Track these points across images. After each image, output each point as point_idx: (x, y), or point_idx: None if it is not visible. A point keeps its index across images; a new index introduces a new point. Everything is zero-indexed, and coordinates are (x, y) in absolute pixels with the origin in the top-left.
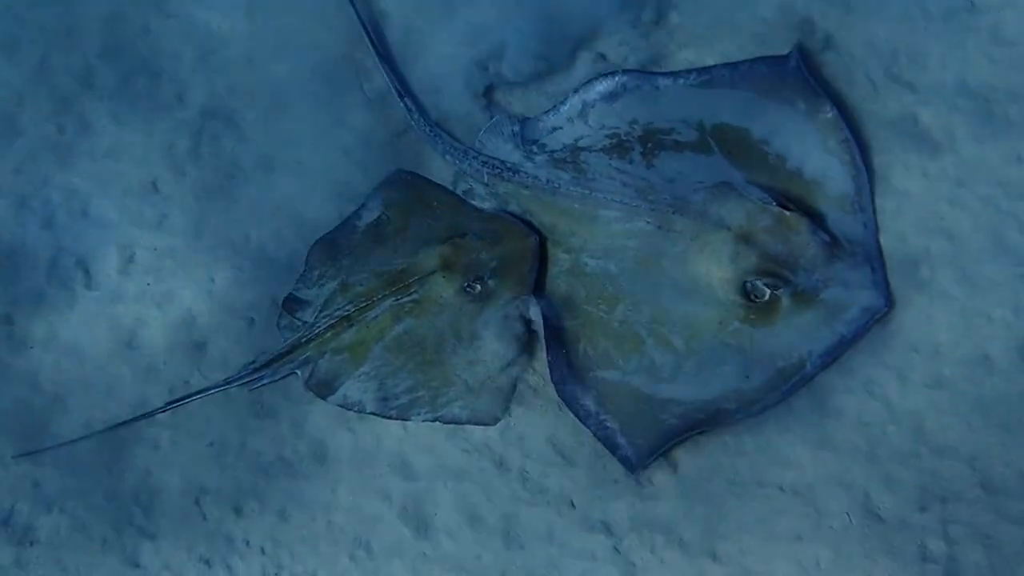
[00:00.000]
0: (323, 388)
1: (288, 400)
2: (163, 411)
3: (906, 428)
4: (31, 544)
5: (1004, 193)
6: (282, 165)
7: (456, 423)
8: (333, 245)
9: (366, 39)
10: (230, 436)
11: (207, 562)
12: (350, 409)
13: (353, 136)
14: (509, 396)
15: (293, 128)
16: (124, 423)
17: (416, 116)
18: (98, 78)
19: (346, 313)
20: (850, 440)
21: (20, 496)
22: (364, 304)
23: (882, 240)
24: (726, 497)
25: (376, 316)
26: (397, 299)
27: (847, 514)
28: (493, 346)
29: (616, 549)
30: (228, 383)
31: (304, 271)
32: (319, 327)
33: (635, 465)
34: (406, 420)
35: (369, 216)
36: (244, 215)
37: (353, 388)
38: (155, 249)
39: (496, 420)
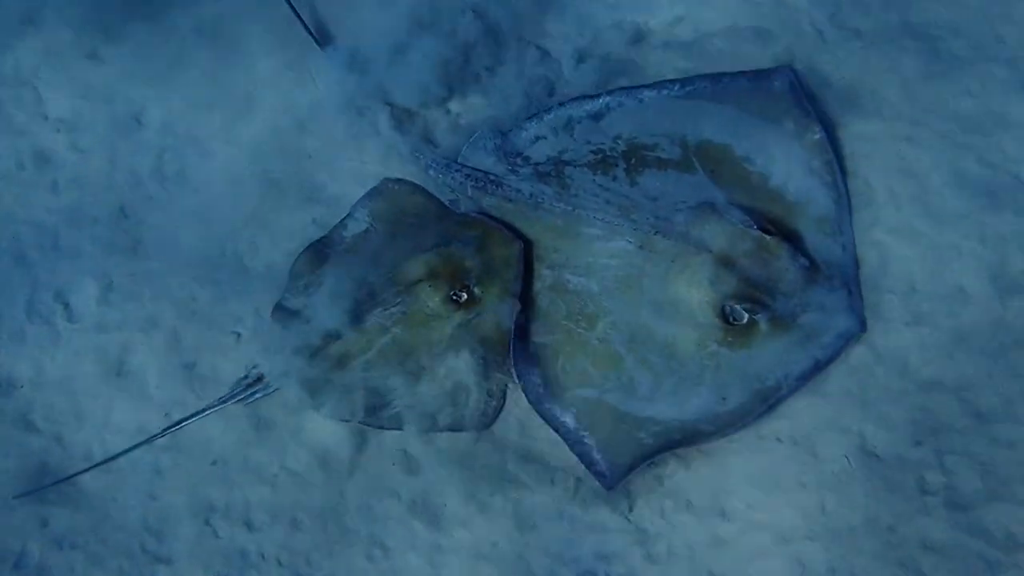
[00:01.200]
0: (313, 400)
1: (285, 410)
2: (162, 436)
3: (893, 368)
4: None
5: (959, 127)
6: (249, 175)
7: (448, 431)
8: (320, 254)
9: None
10: (231, 452)
11: None
12: (341, 420)
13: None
14: (500, 402)
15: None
16: (124, 452)
17: (400, 134)
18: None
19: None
20: (841, 385)
21: (29, 537)
22: (352, 316)
23: (848, 183)
24: (727, 455)
25: (364, 328)
26: (384, 309)
27: (846, 457)
28: (481, 353)
29: (626, 518)
30: (223, 401)
31: (290, 281)
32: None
33: (610, 481)
34: (397, 430)
35: (356, 227)
36: (217, 229)
37: (343, 399)
38: (132, 275)
39: (486, 426)
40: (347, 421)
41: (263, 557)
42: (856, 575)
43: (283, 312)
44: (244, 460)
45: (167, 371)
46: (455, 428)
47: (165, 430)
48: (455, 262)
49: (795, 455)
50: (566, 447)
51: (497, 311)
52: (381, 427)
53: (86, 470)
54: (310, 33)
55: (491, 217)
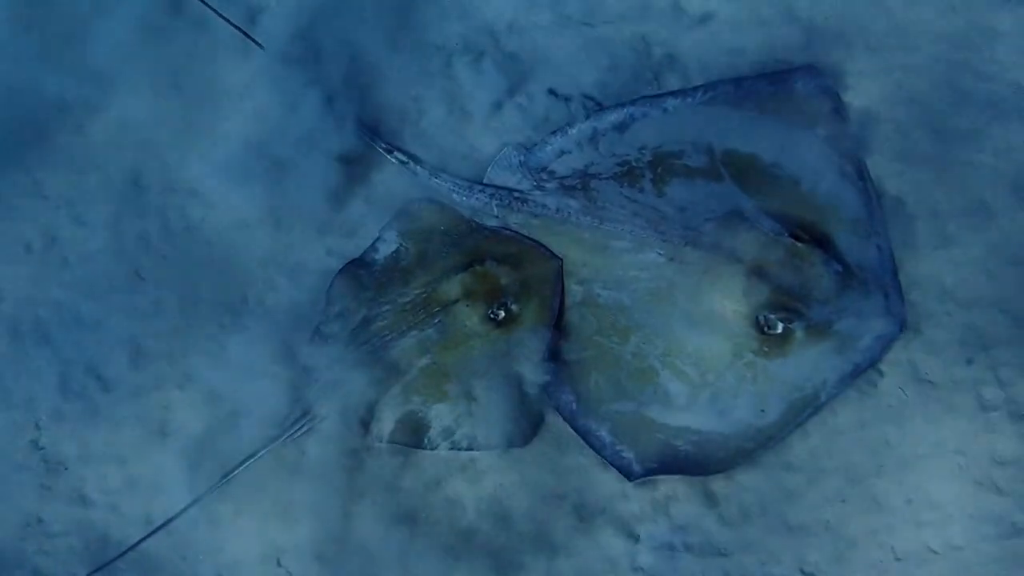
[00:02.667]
0: (359, 426)
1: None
2: (219, 486)
3: (931, 292)
4: None
5: (950, 46)
6: (256, 219)
7: (488, 449)
8: (353, 278)
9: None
10: (288, 493)
11: None
12: (383, 442)
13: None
14: (540, 417)
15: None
16: (183, 511)
17: (412, 166)
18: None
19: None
20: None
21: None
22: (389, 338)
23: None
24: None
25: (402, 349)
26: (421, 331)
27: (901, 389)
28: (521, 371)
29: (703, 489)
30: (274, 441)
31: (326, 306)
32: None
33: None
34: (438, 450)
35: (386, 248)
36: (233, 276)
37: (384, 423)
38: (158, 335)
39: (527, 442)
40: (389, 444)
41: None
42: (933, 502)
43: (322, 338)
44: (303, 498)
45: (210, 424)
46: (496, 446)
47: (223, 478)
48: (491, 280)
49: (850, 396)
50: None
51: (535, 328)
52: (422, 448)
53: (149, 535)
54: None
55: (525, 236)
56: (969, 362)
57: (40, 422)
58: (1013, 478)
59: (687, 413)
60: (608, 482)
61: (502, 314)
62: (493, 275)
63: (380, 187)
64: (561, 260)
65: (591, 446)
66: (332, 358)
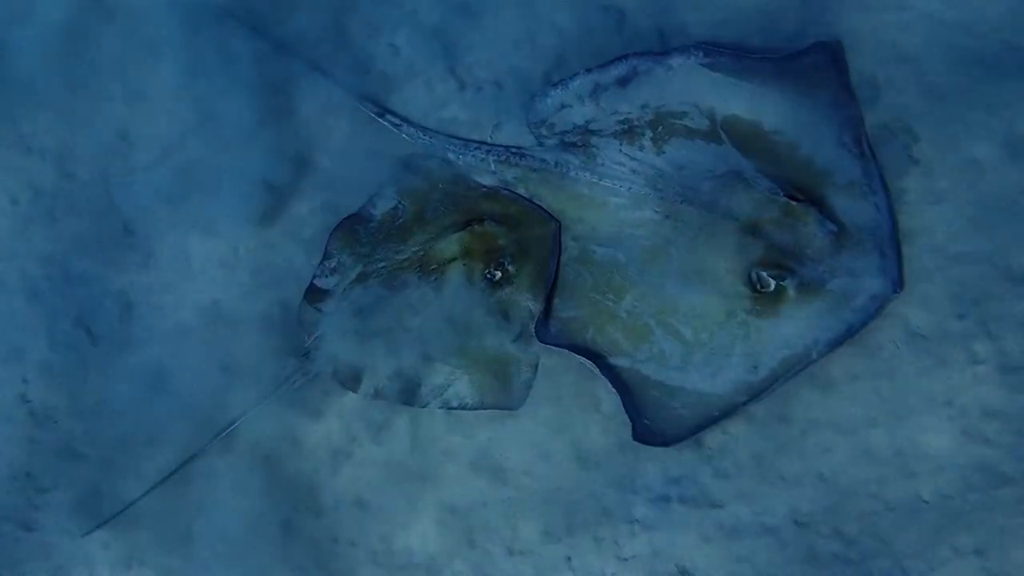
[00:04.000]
0: (351, 382)
1: (328, 396)
2: (219, 438)
3: (923, 247)
4: None
5: (943, 4)
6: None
7: (481, 408)
8: (350, 233)
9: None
10: (283, 445)
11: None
12: (377, 399)
13: None
14: (531, 380)
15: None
16: (178, 469)
17: (405, 128)
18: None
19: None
20: None
21: (97, 563)
22: (384, 296)
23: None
24: None
25: (397, 306)
26: (417, 289)
27: (893, 343)
28: (515, 332)
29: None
30: (277, 388)
31: (323, 260)
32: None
33: (639, 437)
34: (430, 408)
35: (384, 205)
36: (230, 229)
37: (375, 380)
38: (149, 288)
39: (520, 404)
40: (382, 400)
41: (336, 541)
42: (924, 453)
43: (316, 292)
44: (298, 448)
45: (203, 377)
46: (489, 406)
47: (219, 434)
48: (489, 240)
49: (843, 350)
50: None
51: (531, 289)
52: (411, 405)
53: (145, 495)
54: None
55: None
56: (960, 316)
57: (28, 376)
58: (1002, 430)
59: (682, 373)
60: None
61: (499, 275)
62: (491, 235)
63: None
64: (559, 223)
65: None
66: (326, 312)
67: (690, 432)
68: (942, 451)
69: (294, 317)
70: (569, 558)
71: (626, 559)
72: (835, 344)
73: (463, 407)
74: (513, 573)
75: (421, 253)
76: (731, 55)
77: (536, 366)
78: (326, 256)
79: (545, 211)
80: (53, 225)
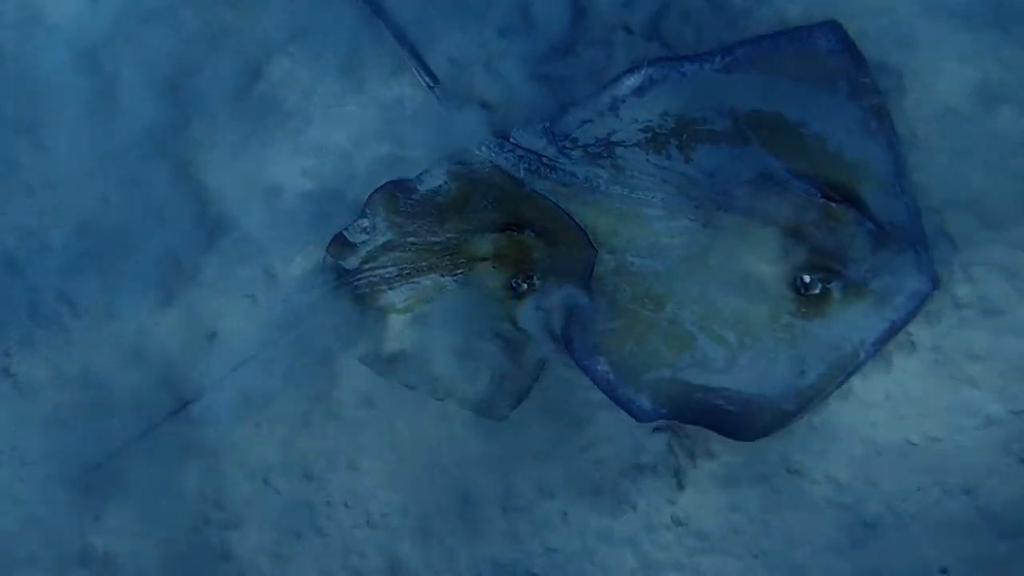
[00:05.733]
0: (351, 340)
1: (322, 363)
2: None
3: None
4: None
5: None
6: None
7: (465, 408)
8: (391, 197)
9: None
10: (275, 410)
11: (297, 534)
12: (372, 369)
13: None
14: (523, 396)
15: None
16: (155, 427)
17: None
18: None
19: (387, 276)
20: None
21: (88, 532)
22: (407, 271)
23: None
24: None
25: (415, 287)
26: (440, 276)
27: None
28: (523, 344)
29: None
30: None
31: (360, 215)
32: (360, 282)
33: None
34: (414, 390)
35: (431, 181)
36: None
37: (375, 350)
38: (130, 259)
39: (503, 418)
40: (376, 371)
41: (329, 504)
42: (911, 397)
43: (343, 244)
44: (289, 413)
45: (188, 346)
46: (472, 409)
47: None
48: (525, 250)
49: None
50: None
51: (551, 306)
52: (402, 384)
53: (122, 447)
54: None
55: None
56: (942, 262)
57: (10, 349)
58: (986, 372)
59: (726, 375)
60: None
61: (525, 287)
62: (529, 245)
63: None
64: (596, 252)
65: (632, 416)
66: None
67: (736, 432)
68: (929, 395)
69: None
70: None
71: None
72: (881, 343)
73: (445, 399)
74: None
75: (454, 242)
76: (742, 50)
77: (531, 384)
78: (362, 214)
79: (586, 236)
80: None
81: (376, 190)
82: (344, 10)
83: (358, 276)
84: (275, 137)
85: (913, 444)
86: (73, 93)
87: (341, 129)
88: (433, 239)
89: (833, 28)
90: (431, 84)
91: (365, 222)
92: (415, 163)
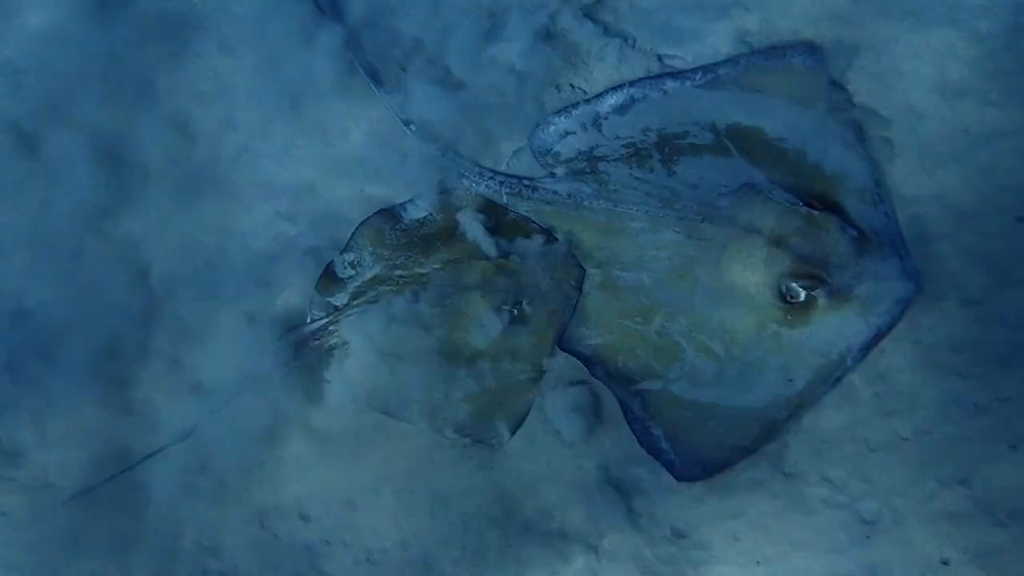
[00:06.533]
0: (345, 379)
1: (310, 402)
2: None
3: None
4: None
5: None
6: None
7: (462, 436)
8: (378, 230)
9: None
10: (266, 452)
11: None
12: (367, 405)
13: None
14: (520, 422)
15: None
16: (131, 467)
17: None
18: None
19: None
20: None
21: None
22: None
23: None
24: None
25: (406, 320)
26: (431, 308)
27: None
28: (515, 370)
29: None
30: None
31: (346, 248)
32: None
33: (679, 470)
34: (410, 423)
35: (415, 211)
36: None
37: (365, 387)
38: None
39: (502, 444)
40: (372, 408)
41: (328, 543)
42: (899, 392)
43: (331, 279)
44: (277, 454)
45: (176, 395)
46: (467, 436)
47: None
48: (513, 277)
49: None
50: None
51: (542, 332)
52: (398, 419)
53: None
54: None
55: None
56: (918, 257)
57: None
58: (970, 361)
59: (716, 389)
60: None
61: (515, 312)
62: (516, 272)
63: None
64: (584, 271)
65: (625, 418)
66: (326, 307)
67: (730, 455)
68: (917, 388)
69: None
70: None
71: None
72: (867, 349)
73: (439, 431)
74: None
75: (442, 272)
76: (722, 68)
77: (528, 410)
78: (348, 248)
79: (572, 255)
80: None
81: (362, 223)
82: (295, 50)
83: (347, 312)
84: (227, 188)
85: (904, 439)
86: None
87: (309, 168)
88: (420, 271)
89: (809, 48)
90: (406, 120)
91: (352, 256)
92: (392, 199)
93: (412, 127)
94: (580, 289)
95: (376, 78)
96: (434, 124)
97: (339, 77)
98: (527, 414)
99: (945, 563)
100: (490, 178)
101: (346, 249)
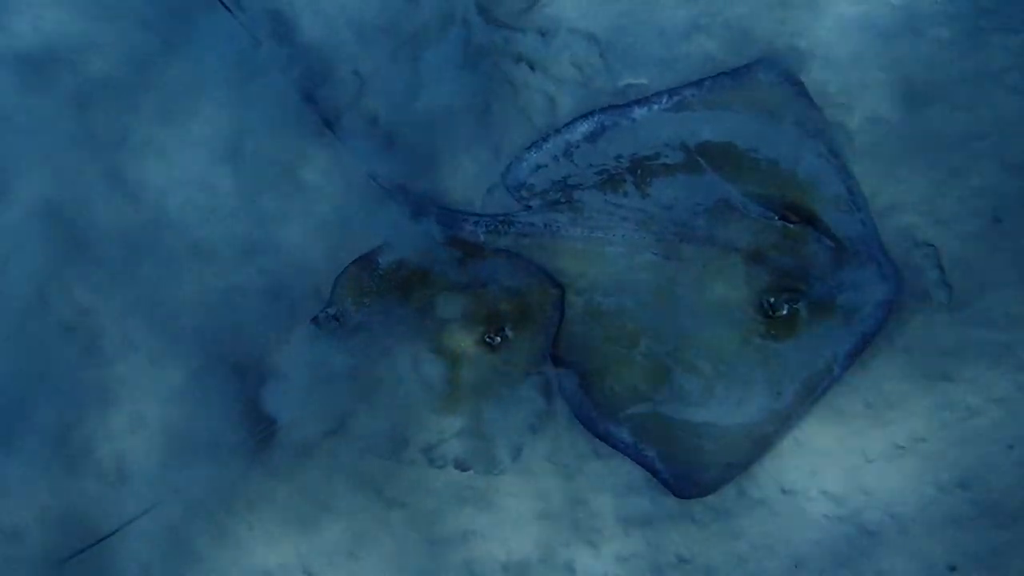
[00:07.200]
0: (340, 428)
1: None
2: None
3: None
4: None
5: None
6: None
7: (462, 469)
8: (357, 280)
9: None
10: (266, 510)
11: None
12: (364, 451)
13: None
14: (521, 445)
15: None
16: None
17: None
18: None
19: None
20: None
21: None
22: (380, 350)
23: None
24: None
25: (392, 362)
26: (415, 347)
27: None
28: (510, 396)
29: None
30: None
31: (327, 305)
32: None
33: (676, 489)
34: (416, 464)
35: (389, 256)
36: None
37: (363, 433)
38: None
39: (503, 471)
40: (367, 452)
41: None
42: (890, 400)
43: (317, 329)
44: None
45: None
46: (471, 467)
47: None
48: (491, 305)
49: None
50: None
51: (528, 356)
52: (398, 460)
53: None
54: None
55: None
56: (899, 266)
57: None
58: (959, 365)
59: (705, 408)
60: None
61: (498, 340)
62: (493, 299)
63: None
64: (562, 290)
65: (616, 449)
66: (314, 361)
67: (725, 472)
68: (908, 396)
69: None
70: None
71: None
72: (854, 355)
73: (444, 467)
74: None
75: (421, 311)
76: (688, 90)
77: (529, 431)
78: (330, 302)
79: (549, 277)
80: None
81: (340, 275)
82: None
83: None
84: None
85: (901, 447)
86: None
87: (269, 223)
88: (400, 312)
89: (770, 63)
90: (373, 175)
91: (333, 310)
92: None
93: (377, 178)
94: (561, 308)
95: (331, 126)
96: (399, 172)
97: (294, 128)
98: (525, 440)
99: (952, 569)
100: (464, 220)
101: (328, 304)
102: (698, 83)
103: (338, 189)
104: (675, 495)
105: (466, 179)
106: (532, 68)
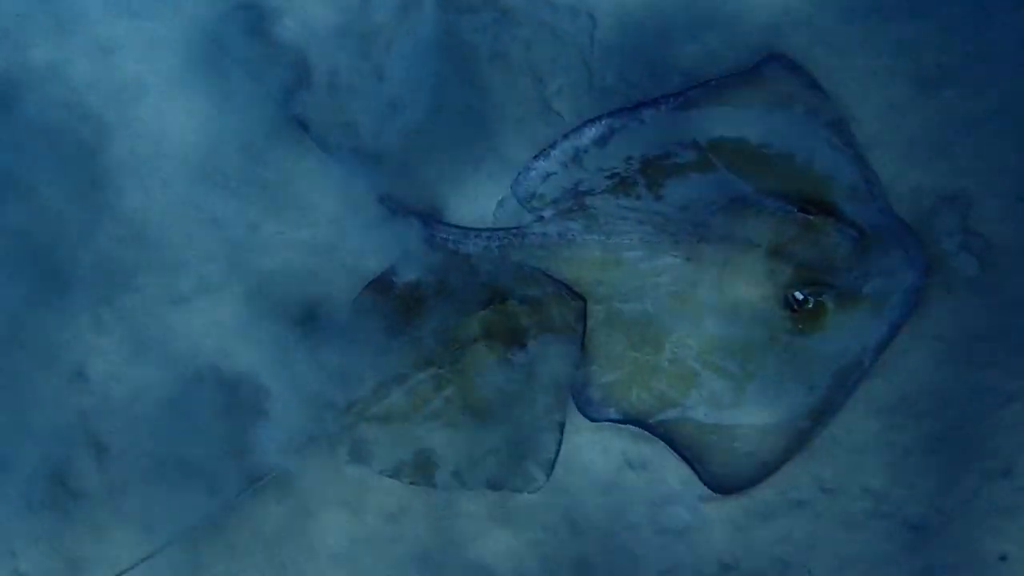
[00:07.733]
0: (365, 456)
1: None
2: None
3: None
4: None
5: None
6: None
7: (497, 489)
8: (372, 306)
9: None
10: (293, 545)
11: None
12: (389, 476)
13: None
14: (553, 460)
15: None
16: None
17: (407, 217)
18: None
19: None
20: None
21: None
22: (403, 373)
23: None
24: None
25: (416, 385)
26: (438, 368)
27: None
28: (537, 412)
29: None
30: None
31: (349, 326)
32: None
33: (712, 486)
34: (448, 490)
35: (406, 274)
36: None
37: (391, 456)
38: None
39: (539, 487)
40: (395, 478)
41: None
42: (926, 390)
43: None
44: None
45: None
46: (506, 487)
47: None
48: (513, 320)
49: None
50: None
51: (555, 370)
52: (429, 485)
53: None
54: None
55: (545, 273)
56: (924, 252)
57: (15, 548)
58: (996, 350)
59: (737, 410)
60: None
61: (522, 355)
62: (515, 314)
63: None
64: (584, 302)
65: None
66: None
67: (762, 471)
68: (943, 384)
69: None
70: None
71: None
72: (884, 346)
73: (476, 488)
74: None
75: (442, 330)
76: (695, 91)
77: (559, 446)
78: (349, 327)
79: (569, 289)
80: None
81: (360, 293)
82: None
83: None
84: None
85: (940, 438)
86: None
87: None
88: (423, 334)
89: (775, 57)
90: (381, 196)
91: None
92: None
93: (386, 200)
94: (584, 319)
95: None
96: (407, 194)
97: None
98: (557, 453)
99: (1003, 558)
100: (476, 236)
101: (348, 327)
102: (705, 83)
103: (340, 210)
104: (712, 489)
105: (467, 190)
106: (530, 68)
